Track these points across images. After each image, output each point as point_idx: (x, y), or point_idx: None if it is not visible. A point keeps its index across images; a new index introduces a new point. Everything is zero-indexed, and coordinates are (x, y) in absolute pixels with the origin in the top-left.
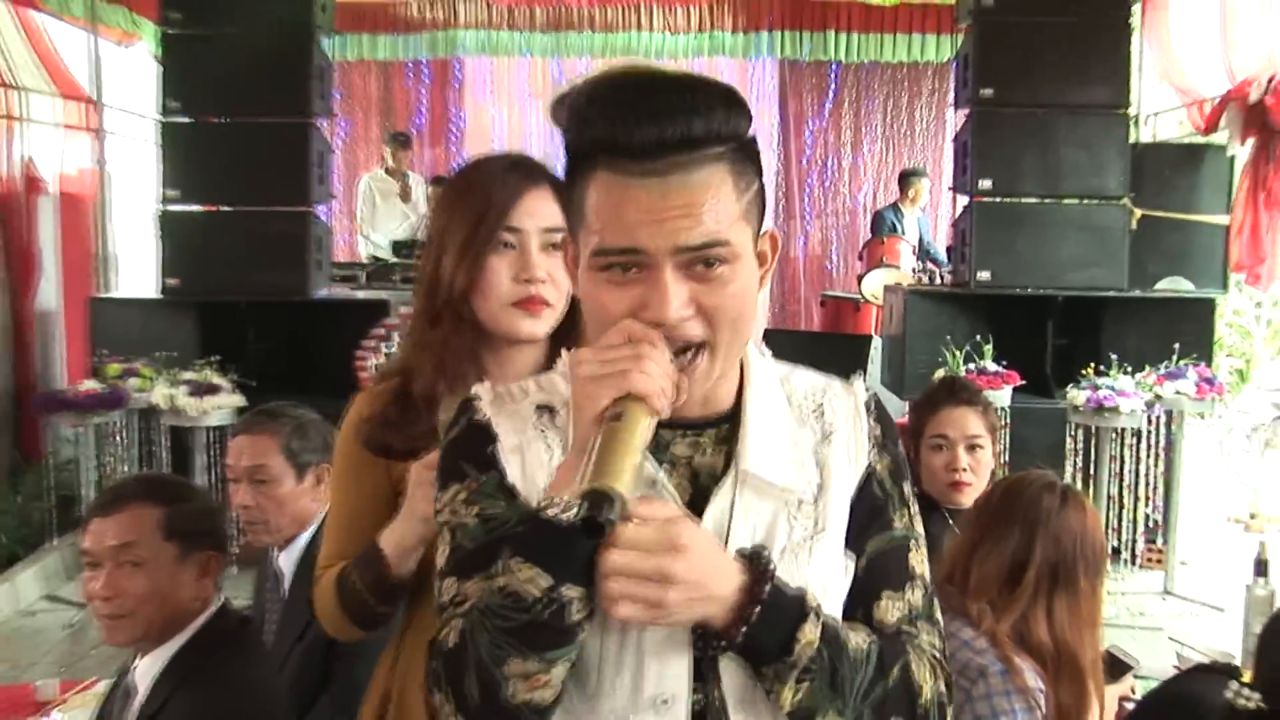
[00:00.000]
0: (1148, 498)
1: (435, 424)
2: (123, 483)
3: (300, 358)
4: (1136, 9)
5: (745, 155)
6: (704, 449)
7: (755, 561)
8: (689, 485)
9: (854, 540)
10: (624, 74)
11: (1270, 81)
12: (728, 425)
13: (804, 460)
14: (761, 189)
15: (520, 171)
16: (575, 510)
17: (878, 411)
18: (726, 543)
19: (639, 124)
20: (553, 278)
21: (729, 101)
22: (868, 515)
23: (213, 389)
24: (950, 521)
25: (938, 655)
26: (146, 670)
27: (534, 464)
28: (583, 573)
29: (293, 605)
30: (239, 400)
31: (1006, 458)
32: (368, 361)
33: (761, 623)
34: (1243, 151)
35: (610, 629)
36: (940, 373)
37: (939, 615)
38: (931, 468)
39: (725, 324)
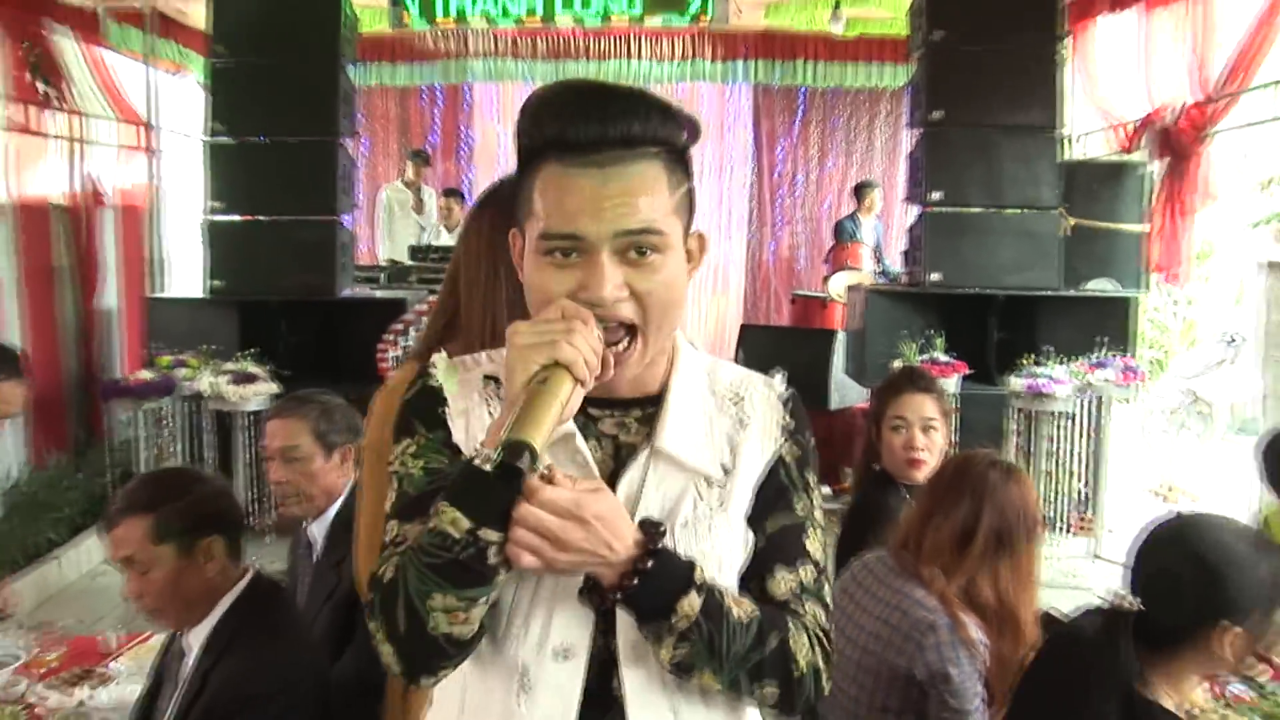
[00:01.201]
0: (1078, 473)
1: None
2: (124, 493)
3: (327, 350)
4: (1067, 42)
5: (677, 160)
6: (629, 428)
7: (648, 532)
8: (611, 460)
9: (756, 519)
10: (575, 83)
11: (1181, 108)
12: (653, 407)
13: (717, 443)
14: (691, 192)
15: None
16: (495, 459)
17: (793, 406)
18: (635, 511)
19: (585, 122)
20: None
21: (665, 113)
22: (772, 496)
23: (251, 378)
24: (906, 495)
25: (821, 631)
26: (196, 636)
27: (477, 427)
28: (501, 519)
29: (323, 568)
30: (274, 388)
31: (956, 438)
32: (387, 353)
33: (642, 589)
34: (1157, 168)
35: (524, 580)
36: (898, 363)
37: (828, 596)
38: (891, 446)
39: (655, 308)
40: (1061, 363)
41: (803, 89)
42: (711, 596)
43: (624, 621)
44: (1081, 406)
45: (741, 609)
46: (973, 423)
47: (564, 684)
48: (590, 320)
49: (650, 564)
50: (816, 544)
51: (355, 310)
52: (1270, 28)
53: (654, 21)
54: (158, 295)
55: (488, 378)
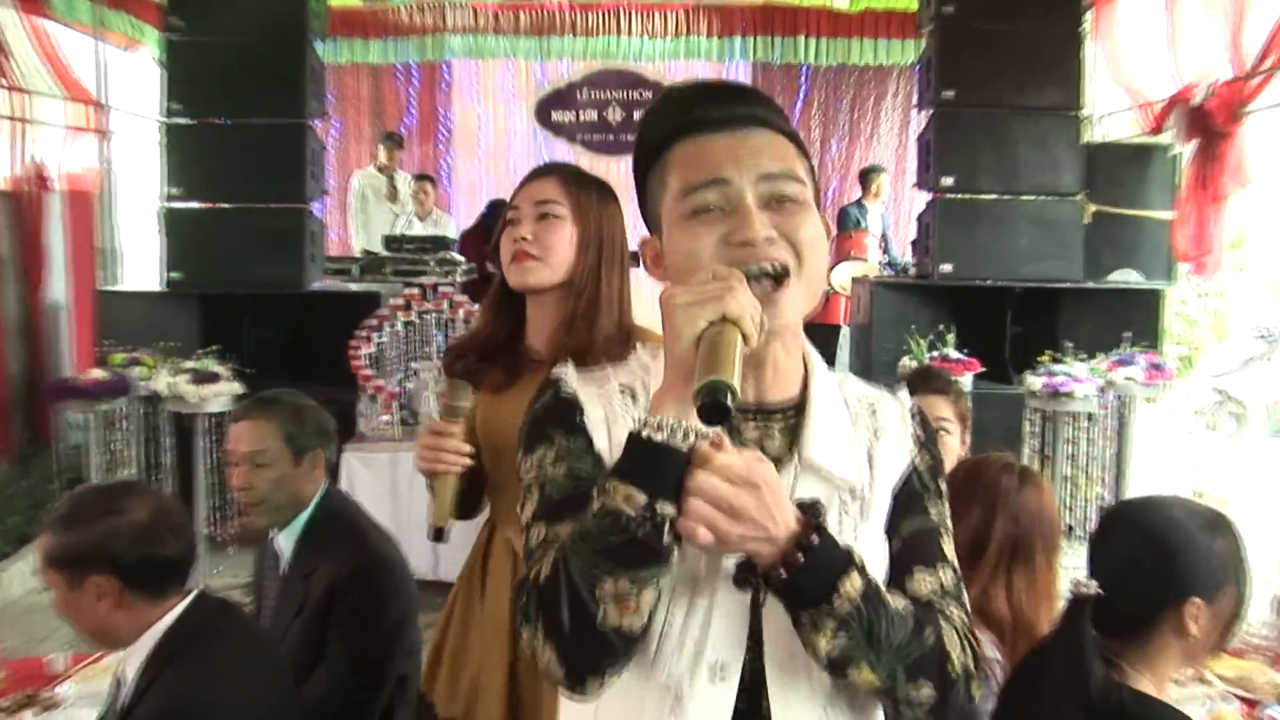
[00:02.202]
0: (1100, 477)
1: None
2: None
3: (296, 347)
4: (1089, 17)
5: (802, 149)
6: (772, 434)
7: (810, 512)
8: None
9: (891, 525)
10: (693, 82)
11: (1212, 86)
12: (794, 415)
13: (858, 455)
14: (817, 183)
15: (534, 171)
16: (699, 395)
17: (920, 418)
18: None
19: (715, 103)
20: (538, 239)
21: (780, 110)
22: (907, 502)
23: (212, 377)
24: None
25: (969, 633)
26: (133, 661)
27: (620, 432)
28: (677, 492)
29: (291, 581)
30: (237, 388)
31: (968, 439)
32: (360, 351)
33: (805, 569)
34: (1187, 151)
35: (678, 600)
36: (906, 360)
37: (966, 600)
38: None
39: (806, 250)
40: (1082, 360)
41: (805, 67)
42: (870, 581)
43: (773, 639)
44: (1104, 407)
45: (897, 600)
46: (986, 424)
47: (716, 703)
48: (744, 280)
49: (815, 539)
50: (951, 548)
51: (326, 304)
52: None
53: None
54: (110, 288)
55: (623, 387)
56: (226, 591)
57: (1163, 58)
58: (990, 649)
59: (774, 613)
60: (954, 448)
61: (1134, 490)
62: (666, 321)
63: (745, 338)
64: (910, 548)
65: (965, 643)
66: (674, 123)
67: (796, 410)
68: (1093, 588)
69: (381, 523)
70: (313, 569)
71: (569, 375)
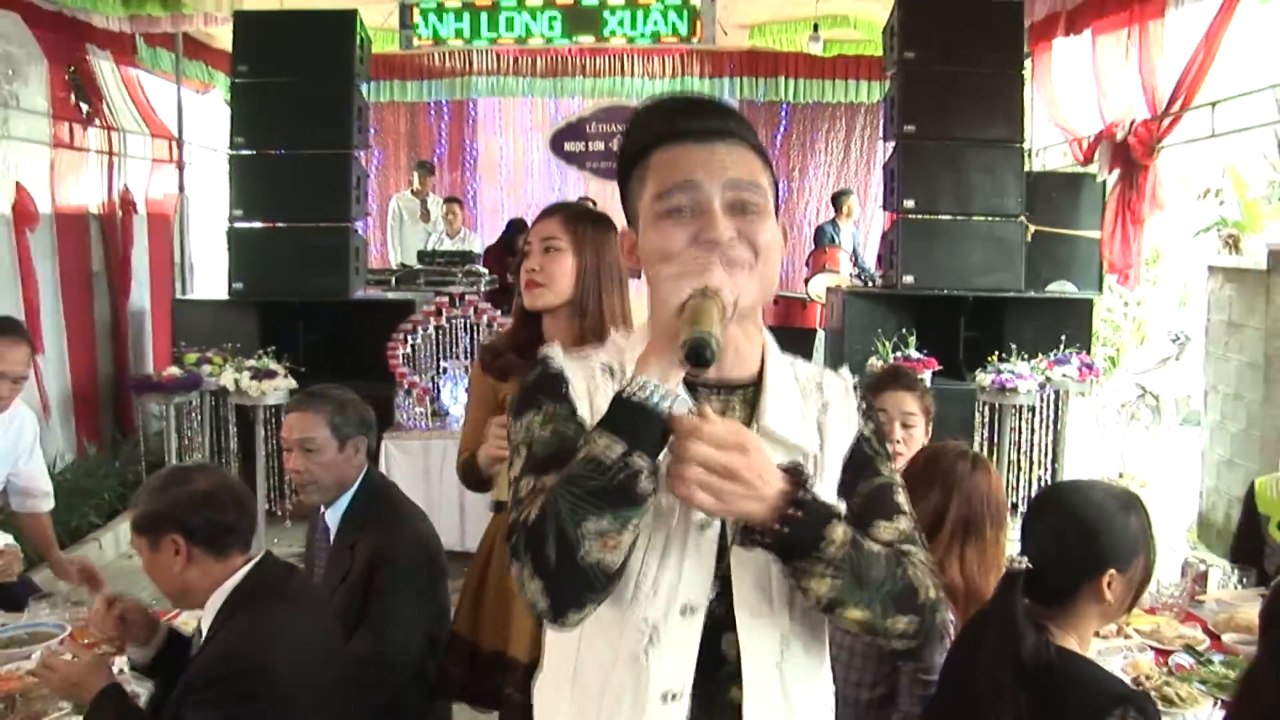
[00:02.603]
0: (1040, 462)
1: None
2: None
3: (341, 348)
4: (1028, 64)
5: (766, 160)
6: (733, 407)
7: (795, 472)
8: None
9: (847, 488)
10: (674, 94)
11: (1131, 124)
12: (753, 391)
13: (809, 424)
14: (777, 192)
15: (543, 211)
16: (683, 346)
17: (862, 391)
18: None
19: (692, 117)
20: (544, 269)
21: (752, 127)
22: (860, 466)
23: (270, 374)
24: None
25: (931, 566)
26: (206, 616)
27: (600, 406)
28: (653, 446)
29: (338, 551)
30: (292, 383)
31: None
32: (397, 351)
33: (799, 521)
34: (1111, 179)
35: (651, 547)
36: (874, 360)
37: (924, 542)
38: None
39: (764, 252)
40: (1025, 359)
41: (785, 104)
42: (851, 528)
43: (740, 581)
44: (1043, 400)
45: (871, 544)
46: (943, 416)
47: (686, 638)
48: (720, 261)
49: (806, 495)
50: (905, 501)
51: (367, 311)
52: (1209, 53)
53: (582, 40)
54: (184, 297)
55: (604, 365)
56: (283, 559)
57: (1090, 99)
58: (945, 612)
59: (741, 561)
60: (919, 438)
61: (1069, 472)
62: (654, 293)
63: (725, 308)
64: (869, 503)
65: (931, 575)
66: (655, 132)
67: (755, 387)
68: (1024, 563)
69: (415, 501)
70: (356, 541)
71: (556, 354)
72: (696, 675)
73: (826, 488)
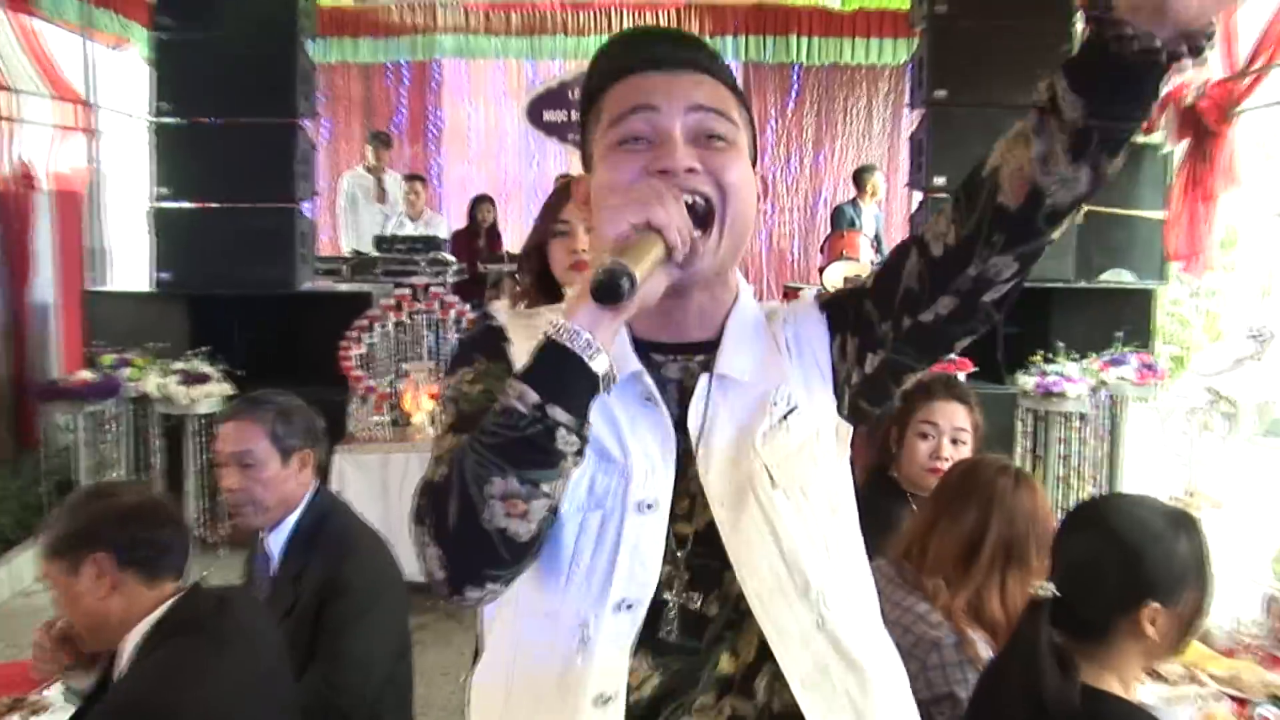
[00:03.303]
0: (1093, 478)
1: None
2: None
3: (286, 348)
4: (1079, 16)
5: (742, 101)
6: (693, 373)
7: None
8: (678, 403)
9: (865, 327)
10: (645, 27)
11: (1203, 86)
12: (714, 350)
13: (774, 357)
14: (754, 135)
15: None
16: (595, 279)
17: (820, 292)
18: (710, 432)
19: (657, 45)
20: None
21: (727, 67)
22: (842, 312)
23: (202, 378)
24: (913, 506)
25: None
26: (124, 652)
27: None
28: (575, 401)
29: (281, 583)
30: (227, 389)
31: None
32: (350, 351)
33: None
34: (1178, 150)
35: (586, 531)
36: None
37: None
38: (914, 452)
39: (730, 191)
40: (1074, 360)
41: (796, 66)
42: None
43: (744, 564)
44: (1096, 406)
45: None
46: None
47: (620, 636)
48: (680, 197)
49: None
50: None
51: (316, 305)
52: None
53: None
54: (98, 289)
55: (551, 323)
56: (217, 590)
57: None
58: (985, 649)
59: (740, 534)
60: (966, 455)
61: (1127, 490)
62: (595, 221)
63: (670, 249)
64: (879, 279)
65: None
66: (611, 66)
67: (717, 344)
68: (1049, 591)
69: (372, 524)
70: (302, 570)
71: (499, 309)
72: (678, 645)
73: (806, 414)
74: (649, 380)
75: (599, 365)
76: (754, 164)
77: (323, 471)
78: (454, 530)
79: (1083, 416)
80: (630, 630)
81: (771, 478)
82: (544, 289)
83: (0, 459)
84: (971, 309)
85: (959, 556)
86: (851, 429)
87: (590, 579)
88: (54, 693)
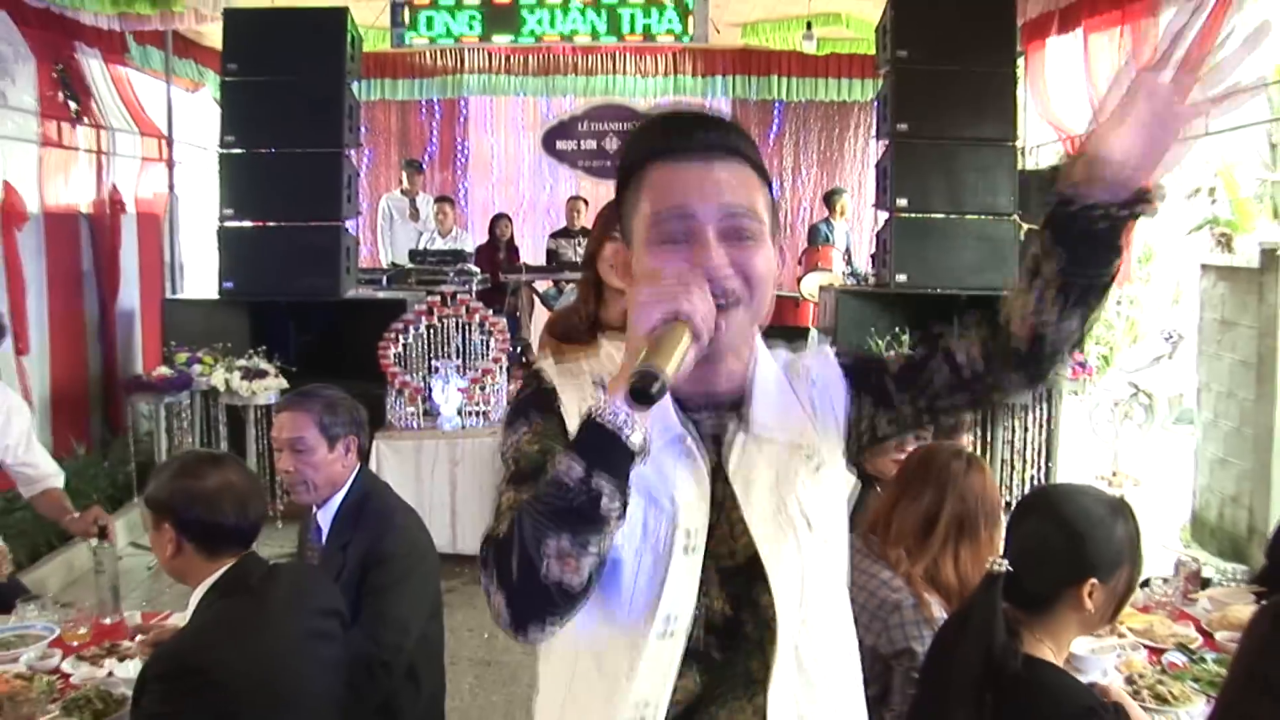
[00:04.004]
0: (1033, 461)
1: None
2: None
3: (333, 347)
4: (1020, 61)
5: (766, 181)
6: (725, 424)
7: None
8: (714, 453)
9: (875, 391)
10: (674, 109)
11: None
12: (741, 400)
13: (800, 409)
14: (775, 211)
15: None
16: (630, 384)
17: (839, 350)
18: (751, 487)
19: (690, 132)
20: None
21: (749, 138)
22: (862, 373)
23: (261, 374)
24: (878, 489)
25: None
26: (190, 605)
27: None
28: (617, 469)
29: (330, 553)
30: (282, 383)
31: None
32: (388, 350)
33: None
34: None
35: (642, 568)
36: None
37: None
38: (884, 446)
39: (757, 282)
40: None
41: (778, 103)
42: None
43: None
44: (1036, 399)
45: None
46: None
47: (663, 659)
48: (703, 282)
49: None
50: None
51: (358, 310)
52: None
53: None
54: (175, 297)
55: (596, 382)
56: (275, 560)
57: (1083, 97)
58: (939, 610)
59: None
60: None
61: (1062, 471)
62: (628, 314)
63: (695, 335)
64: (893, 379)
65: None
66: (651, 146)
67: (743, 399)
68: (1004, 566)
69: (407, 500)
70: (348, 541)
71: (549, 368)
72: (713, 657)
73: (825, 476)
74: (691, 441)
75: (636, 440)
76: (774, 237)
77: (365, 455)
78: (516, 582)
79: (1025, 407)
80: (674, 654)
81: (809, 523)
82: (596, 287)
83: (93, 444)
84: (983, 404)
85: (918, 530)
86: (854, 480)
87: (639, 611)
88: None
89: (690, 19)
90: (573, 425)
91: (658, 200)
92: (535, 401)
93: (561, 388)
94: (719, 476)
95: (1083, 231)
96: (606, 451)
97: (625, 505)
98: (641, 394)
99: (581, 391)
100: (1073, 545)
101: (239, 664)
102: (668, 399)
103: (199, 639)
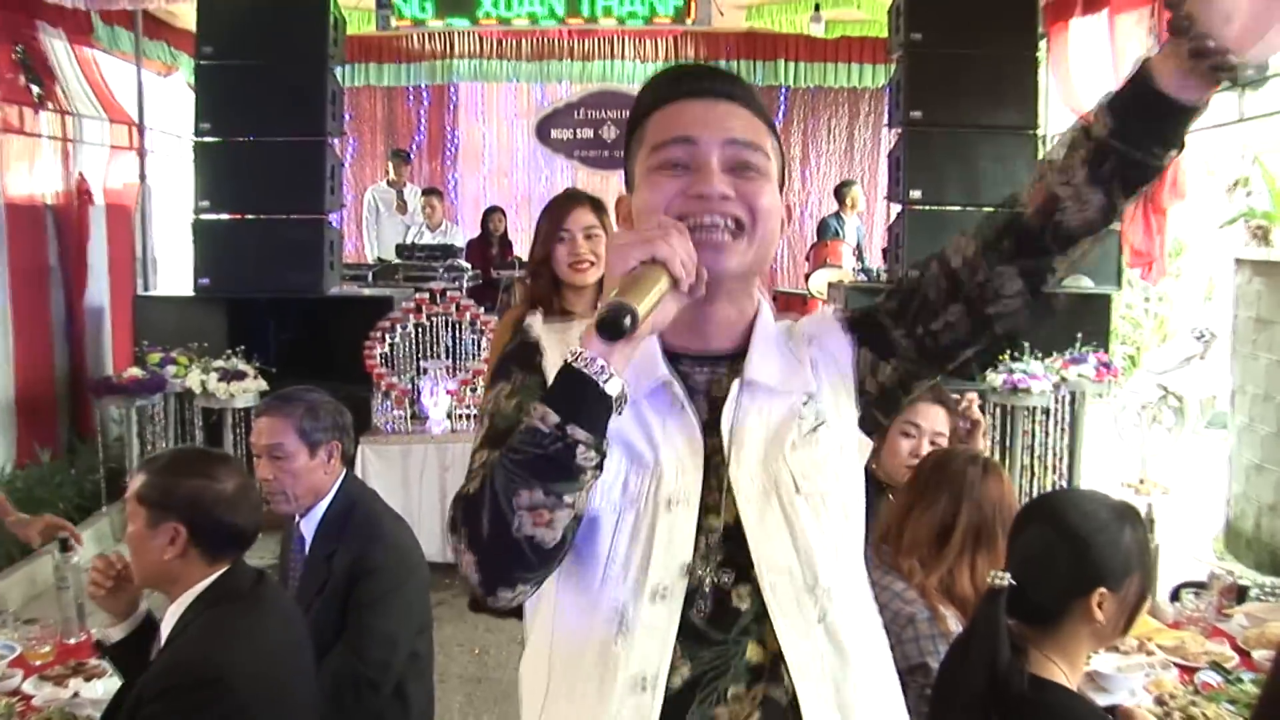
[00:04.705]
0: (1054, 467)
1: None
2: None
3: (315, 347)
4: (1042, 44)
5: (773, 131)
6: (720, 380)
7: None
8: (707, 407)
9: (885, 340)
10: (687, 64)
11: None
12: (740, 359)
13: (800, 368)
14: (784, 163)
15: (570, 197)
16: (599, 316)
17: (836, 307)
18: (744, 439)
19: (698, 79)
20: (593, 252)
21: (762, 102)
22: (866, 326)
23: (239, 375)
24: (890, 496)
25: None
26: (169, 619)
27: None
28: (594, 420)
29: (314, 562)
30: (262, 385)
31: None
32: (374, 350)
33: None
34: None
35: (621, 529)
36: None
37: None
38: (896, 449)
39: (760, 213)
40: (1038, 359)
41: (784, 88)
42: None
43: (761, 553)
44: (1058, 402)
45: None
46: None
47: (659, 624)
48: (685, 232)
49: None
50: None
51: (343, 308)
52: None
53: (636, 23)
54: (147, 293)
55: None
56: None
57: (1108, 81)
58: (954, 624)
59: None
60: None
61: (1085, 478)
62: (606, 256)
63: (675, 280)
64: (896, 299)
65: None
66: (660, 95)
67: (741, 354)
68: (1005, 580)
69: (394, 508)
70: (333, 551)
71: (536, 323)
72: (707, 635)
73: (834, 430)
74: (678, 388)
75: (612, 388)
76: (782, 188)
77: (350, 462)
78: (487, 539)
79: (1046, 411)
80: (669, 620)
81: (796, 485)
82: (555, 287)
83: (59, 449)
84: (979, 324)
85: (932, 539)
86: (869, 442)
87: (626, 571)
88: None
89: (693, 1)
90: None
91: (659, 132)
92: (517, 356)
93: (547, 344)
94: (713, 432)
95: (1153, 98)
96: (581, 399)
97: (603, 457)
98: (610, 325)
99: (567, 346)
100: (1078, 554)
101: (251, 672)
102: (654, 346)
103: (205, 649)
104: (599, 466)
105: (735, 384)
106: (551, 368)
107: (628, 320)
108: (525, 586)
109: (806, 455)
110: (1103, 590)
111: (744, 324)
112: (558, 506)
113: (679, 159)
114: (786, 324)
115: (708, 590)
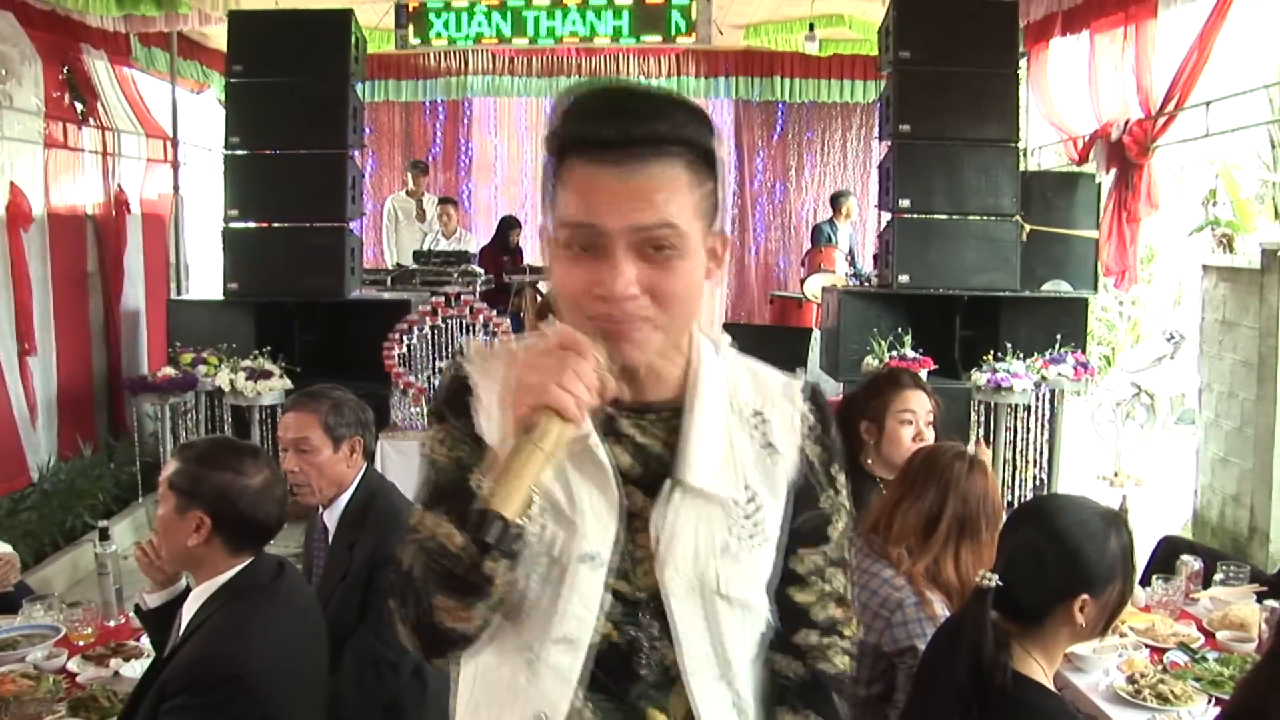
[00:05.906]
0: (1035, 460)
1: None
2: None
3: (338, 348)
4: (1023, 63)
5: (701, 159)
6: (649, 433)
7: None
8: (631, 460)
9: (790, 522)
10: (605, 84)
11: (1126, 124)
12: (672, 415)
13: (741, 466)
14: (714, 192)
15: None
16: (472, 520)
17: (814, 403)
18: (674, 545)
19: (610, 120)
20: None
21: (691, 113)
22: (800, 498)
23: (266, 374)
24: (880, 486)
25: (843, 593)
26: (190, 605)
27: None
28: (497, 542)
29: (336, 552)
30: (287, 384)
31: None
32: (393, 351)
33: None
34: (1107, 179)
35: (541, 574)
36: (869, 359)
37: (849, 557)
38: (898, 439)
39: (669, 302)
40: (1020, 359)
41: (780, 103)
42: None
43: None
44: (1038, 399)
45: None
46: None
47: (563, 668)
48: (587, 351)
49: None
50: (840, 531)
51: (363, 311)
52: (1203, 52)
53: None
54: (179, 298)
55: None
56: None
57: (1085, 99)
58: (941, 608)
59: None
60: (930, 437)
61: (1064, 471)
62: (505, 381)
63: (570, 419)
64: (799, 533)
65: (842, 632)
66: (570, 134)
67: (675, 411)
68: (993, 581)
69: (412, 501)
70: (355, 541)
71: (470, 357)
72: (611, 689)
73: (770, 547)
74: (596, 445)
75: (492, 536)
76: (712, 223)
77: (370, 456)
78: (415, 620)
79: (1027, 408)
80: (573, 665)
81: (720, 591)
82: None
83: (98, 444)
84: None
85: (920, 530)
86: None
87: (535, 614)
88: (145, 642)
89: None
90: (483, 423)
91: (569, 204)
92: (450, 400)
93: (477, 380)
94: (644, 491)
95: None
96: (483, 527)
97: (516, 558)
98: (481, 544)
99: (497, 383)
100: (1066, 561)
101: (267, 668)
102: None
103: (225, 646)
104: (511, 565)
105: (667, 484)
106: (483, 408)
107: (495, 531)
108: (460, 653)
109: (736, 568)
110: (1085, 596)
111: (674, 372)
112: (473, 607)
113: (585, 243)
114: (731, 379)
115: (622, 649)
